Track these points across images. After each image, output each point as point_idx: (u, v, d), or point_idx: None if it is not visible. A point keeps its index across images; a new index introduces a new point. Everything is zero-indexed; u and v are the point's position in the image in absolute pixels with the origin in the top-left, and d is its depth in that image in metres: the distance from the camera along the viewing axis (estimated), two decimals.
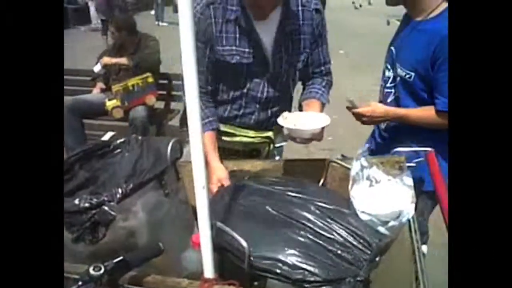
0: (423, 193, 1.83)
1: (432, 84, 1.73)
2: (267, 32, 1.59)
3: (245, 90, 1.67)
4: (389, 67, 1.93)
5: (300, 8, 1.62)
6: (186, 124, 1.57)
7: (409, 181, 1.31)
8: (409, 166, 1.48)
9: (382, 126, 2.00)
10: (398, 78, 1.84)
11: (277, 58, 1.64)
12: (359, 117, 1.86)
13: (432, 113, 1.74)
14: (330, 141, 3.97)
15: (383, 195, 1.28)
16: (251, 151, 1.77)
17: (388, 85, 1.93)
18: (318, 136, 1.45)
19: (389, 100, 1.93)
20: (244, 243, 0.99)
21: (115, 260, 0.91)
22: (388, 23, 13.29)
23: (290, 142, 1.61)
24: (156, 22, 13.64)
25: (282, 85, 1.71)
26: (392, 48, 1.91)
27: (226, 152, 1.79)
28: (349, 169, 1.47)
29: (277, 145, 1.84)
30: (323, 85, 1.76)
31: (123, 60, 3.92)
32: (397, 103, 1.89)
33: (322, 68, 1.77)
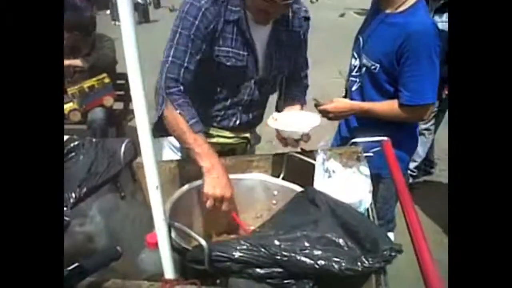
0: (387, 179, 1.86)
1: (397, 78, 1.78)
2: (260, 37, 1.57)
3: (231, 93, 1.62)
4: (355, 56, 1.97)
5: (290, 14, 1.61)
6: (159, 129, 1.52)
7: (366, 170, 1.34)
8: (366, 156, 1.51)
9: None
10: (364, 68, 1.88)
11: (268, 64, 1.62)
12: (325, 114, 1.89)
13: (396, 106, 1.80)
14: None
15: (341, 185, 1.30)
16: (227, 151, 1.73)
17: (353, 73, 1.97)
18: (306, 137, 1.47)
19: (353, 88, 1.97)
20: (204, 242, 0.98)
21: (69, 268, 0.88)
22: (342, 15, 13.52)
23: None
24: (112, 22, 13.36)
25: (267, 90, 1.71)
26: (360, 37, 1.94)
27: None
28: (308, 162, 1.49)
29: (254, 145, 1.85)
30: (301, 87, 1.80)
31: (77, 62, 3.81)
32: (361, 92, 1.94)
33: (302, 72, 1.80)
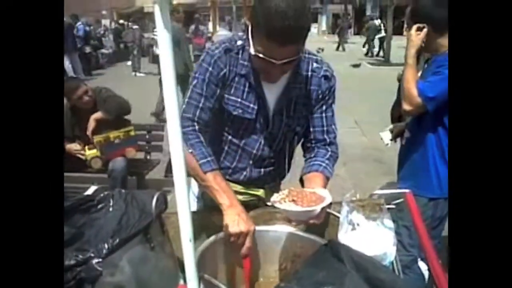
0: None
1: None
2: (272, 92, 1.60)
3: (241, 144, 1.66)
4: None
5: (309, 73, 1.62)
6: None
7: (390, 223, 1.36)
8: (389, 208, 1.52)
9: None
10: None
11: (277, 120, 1.63)
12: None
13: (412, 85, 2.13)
14: None
15: (365, 238, 1.31)
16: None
17: None
18: (316, 217, 1.34)
19: (409, 120, 2.45)
20: None
21: None
22: (357, 66, 13.88)
23: None
24: (133, 73, 13.80)
25: (278, 146, 1.70)
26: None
27: (215, 204, 1.77)
28: (332, 214, 1.51)
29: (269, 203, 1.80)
30: (326, 157, 1.66)
31: (98, 115, 3.87)
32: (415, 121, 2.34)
33: (325, 136, 1.69)
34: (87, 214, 1.29)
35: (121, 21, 18.37)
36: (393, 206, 1.58)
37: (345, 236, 1.32)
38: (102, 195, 1.33)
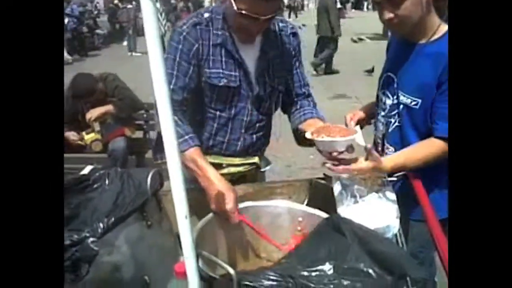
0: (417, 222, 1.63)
1: (433, 109, 1.56)
2: (250, 56, 1.63)
3: (231, 116, 1.67)
4: (389, 94, 1.73)
5: (278, 33, 1.68)
6: (159, 154, 1.55)
7: (392, 195, 1.33)
8: (391, 181, 1.49)
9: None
10: (402, 106, 1.66)
11: (261, 82, 1.66)
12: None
13: (434, 144, 1.53)
14: (311, 159, 3.98)
15: (369, 211, 1.29)
16: (238, 179, 1.75)
17: (390, 113, 1.73)
18: (350, 148, 1.42)
19: (390, 130, 1.74)
20: (232, 271, 0.97)
21: None
22: (356, 41, 13.66)
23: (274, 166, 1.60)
24: (129, 53, 13.66)
25: (265, 108, 1.74)
26: (391, 74, 1.73)
27: None
28: (332, 188, 1.48)
29: (262, 169, 1.84)
30: (312, 106, 1.80)
31: (110, 109, 3.80)
32: (400, 133, 1.70)
33: (304, 89, 1.81)
34: (82, 194, 1.27)
35: (115, 1, 18.02)
36: (395, 179, 1.55)
37: (346, 210, 1.30)
38: (97, 174, 1.31)
